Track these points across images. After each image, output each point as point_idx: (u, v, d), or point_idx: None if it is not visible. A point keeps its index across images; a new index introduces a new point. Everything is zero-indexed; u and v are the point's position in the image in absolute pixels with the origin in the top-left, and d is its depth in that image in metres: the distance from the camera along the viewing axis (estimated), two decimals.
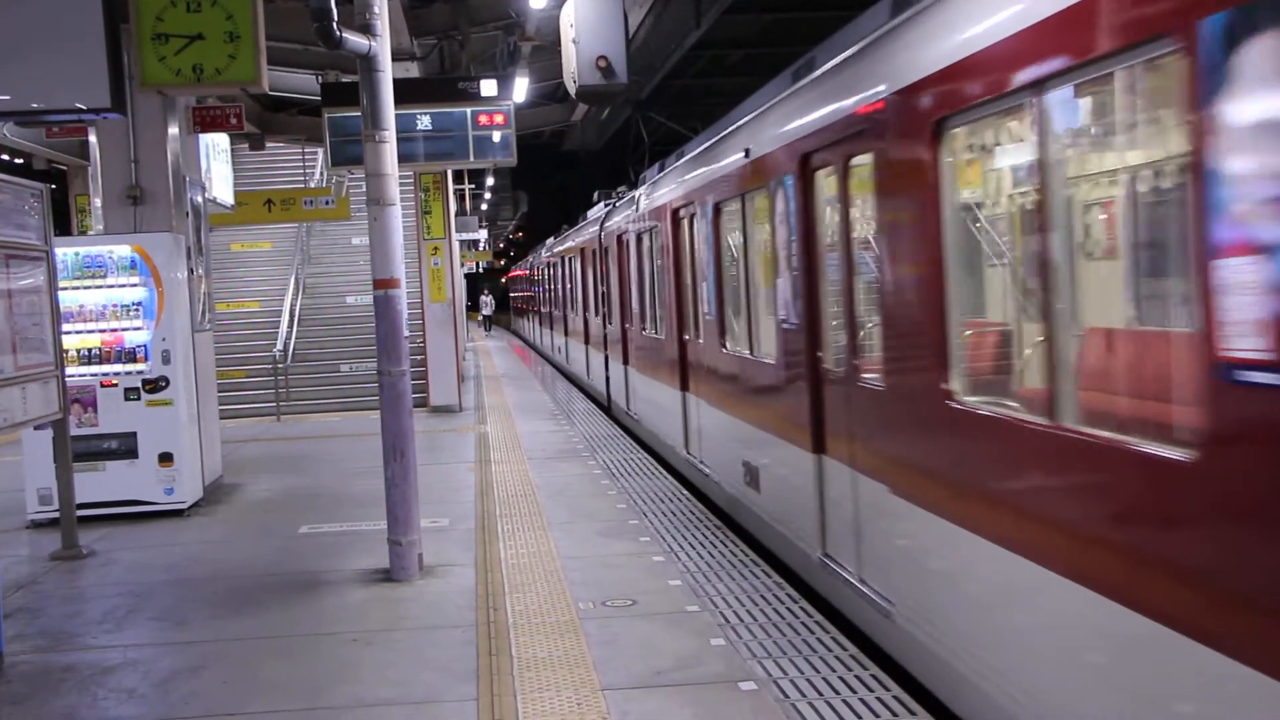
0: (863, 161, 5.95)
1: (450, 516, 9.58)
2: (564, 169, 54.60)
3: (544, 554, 8.15)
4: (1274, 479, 3.02)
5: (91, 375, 10.12)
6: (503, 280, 73.93)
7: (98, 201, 11.74)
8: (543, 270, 31.46)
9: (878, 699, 5.23)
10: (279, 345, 18.94)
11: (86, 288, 10.24)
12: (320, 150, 17.85)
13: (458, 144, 13.07)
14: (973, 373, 5.09)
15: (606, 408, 17.87)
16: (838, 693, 5.33)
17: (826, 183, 6.67)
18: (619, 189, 18.31)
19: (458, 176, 32.37)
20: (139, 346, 10.21)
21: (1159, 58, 3.50)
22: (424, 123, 12.92)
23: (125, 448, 10.10)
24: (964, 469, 4.87)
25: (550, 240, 31.48)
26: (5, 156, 23.41)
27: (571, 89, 8.35)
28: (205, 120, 11.88)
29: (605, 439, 14.02)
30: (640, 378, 14.25)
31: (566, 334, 24.85)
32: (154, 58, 9.26)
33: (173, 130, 10.86)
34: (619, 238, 15.37)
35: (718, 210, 9.44)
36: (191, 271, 10.90)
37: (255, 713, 5.48)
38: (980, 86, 4.52)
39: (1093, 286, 4.40)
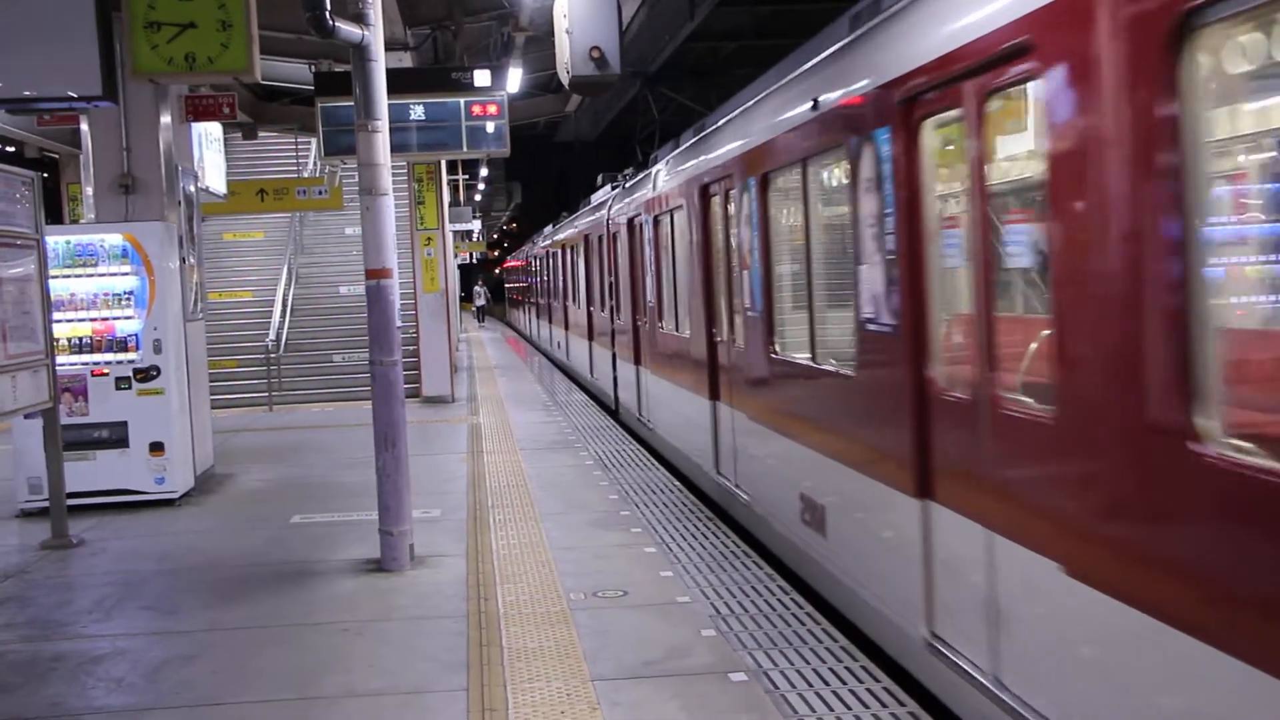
0: (1014, 94, 4.34)
1: (442, 507, 9.57)
2: (558, 159, 54.52)
3: (535, 545, 8.15)
4: None
5: (82, 364, 10.09)
6: (497, 271, 73.88)
7: (89, 190, 11.72)
8: (541, 260, 29.43)
9: (868, 690, 5.24)
10: (271, 335, 18.89)
11: (78, 276, 10.21)
12: (313, 140, 17.83)
13: (451, 134, 13.04)
14: (1250, 405, 3.34)
15: (613, 410, 16.27)
16: (828, 684, 5.33)
17: (943, 134, 5.05)
18: (625, 171, 16.86)
19: (451, 167, 32.30)
20: (130, 335, 10.19)
21: None
22: (417, 113, 12.89)
23: (116, 437, 10.08)
24: (1227, 554, 3.12)
25: (549, 228, 30.06)
26: None
27: (565, 80, 8.33)
28: (198, 109, 11.85)
29: (598, 430, 14.01)
30: (657, 381, 12.51)
31: (567, 328, 23.11)
32: (146, 46, 9.22)
33: (165, 119, 10.82)
34: (631, 222, 13.74)
35: (766, 182, 7.73)
36: (183, 260, 10.87)
37: (245, 702, 5.47)
38: None
39: None
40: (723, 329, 9.19)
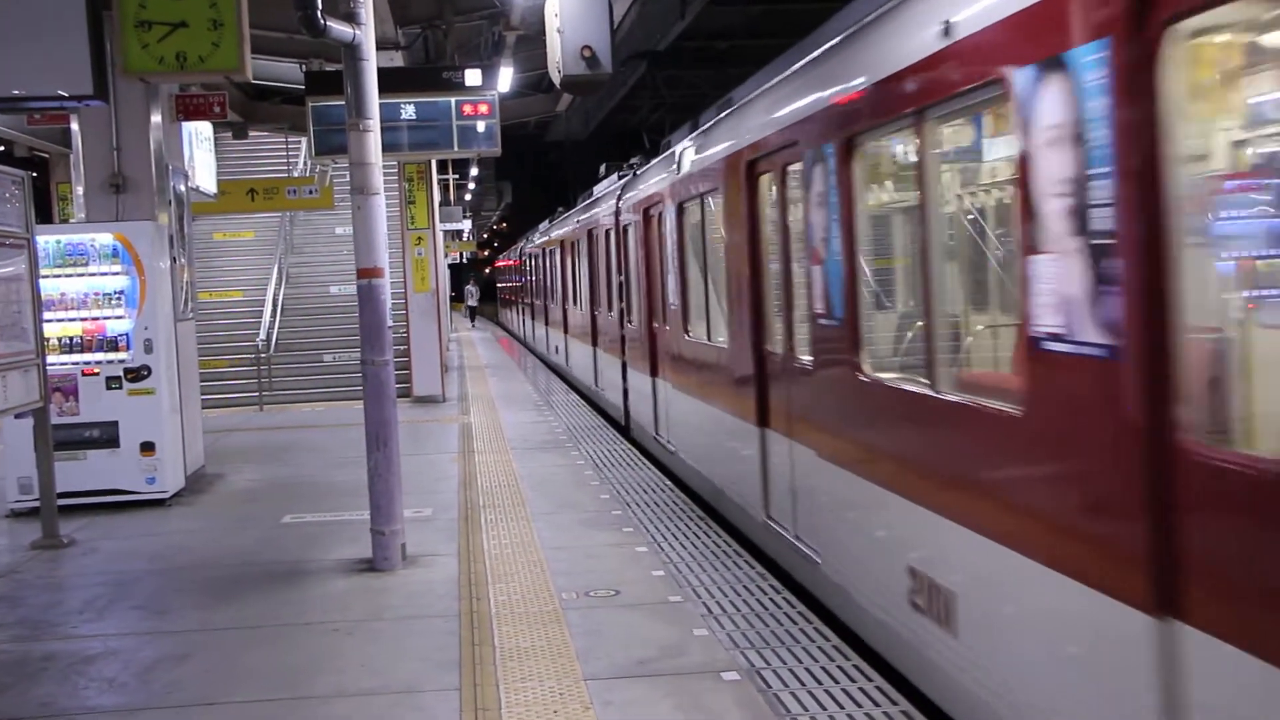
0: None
1: (433, 506, 9.57)
2: (549, 158, 54.50)
3: (527, 544, 8.15)
4: None
5: (73, 364, 10.07)
6: (487, 270, 73.75)
7: (80, 189, 11.67)
8: (536, 258, 27.34)
9: (860, 689, 5.25)
10: (262, 335, 18.88)
11: (68, 276, 10.19)
12: (304, 139, 17.77)
13: (442, 134, 13.02)
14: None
15: (624, 427, 14.25)
16: (820, 683, 5.34)
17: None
18: (632, 160, 14.93)
19: (442, 167, 32.29)
20: (121, 335, 10.17)
21: None
22: (408, 112, 12.87)
23: (107, 436, 10.06)
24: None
25: (544, 224, 27.78)
26: None
27: (556, 79, 8.32)
28: (188, 108, 11.82)
29: (588, 430, 14.01)
30: (681, 398, 10.58)
31: (567, 332, 20.85)
32: (137, 45, 9.20)
33: (155, 118, 10.80)
34: (646, 213, 11.86)
35: (849, 150, 5.80)
36: (174, 260, 10.85)
37: (237, 702, 5.46)
38: None
39: None
40: (775, 341, 7.53)
